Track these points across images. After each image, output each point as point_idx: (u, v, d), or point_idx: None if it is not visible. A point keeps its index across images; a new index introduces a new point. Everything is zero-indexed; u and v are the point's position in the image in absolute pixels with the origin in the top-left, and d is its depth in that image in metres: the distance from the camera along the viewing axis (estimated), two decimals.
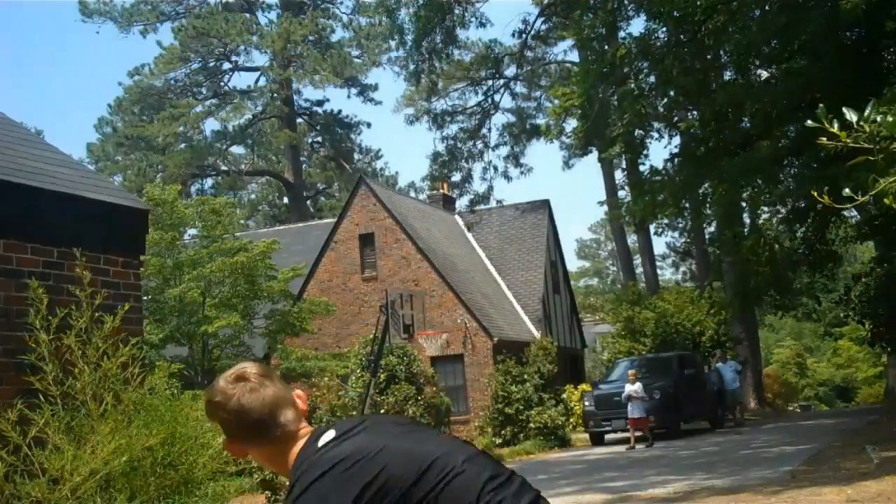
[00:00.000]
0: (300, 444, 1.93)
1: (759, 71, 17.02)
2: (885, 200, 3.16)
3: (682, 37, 15.26)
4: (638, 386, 16.92)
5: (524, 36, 30.43)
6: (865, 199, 3.27)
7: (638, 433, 16.97)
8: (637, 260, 41.61)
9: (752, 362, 28.97)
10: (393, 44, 30.18)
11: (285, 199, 46.68)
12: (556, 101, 26.16)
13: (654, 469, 12.19)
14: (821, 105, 3.01)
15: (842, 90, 12.18)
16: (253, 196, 51.35)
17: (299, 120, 44.02)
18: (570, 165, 49.52)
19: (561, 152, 49.29)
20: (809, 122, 3.03)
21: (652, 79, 16.58)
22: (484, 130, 32.41)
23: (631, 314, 25.77)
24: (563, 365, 25.10)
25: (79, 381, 4.77)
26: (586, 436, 19.46)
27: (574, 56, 32.29)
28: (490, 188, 31.86)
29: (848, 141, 2.99)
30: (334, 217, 27.91)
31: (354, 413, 15.80)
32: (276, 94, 40.95)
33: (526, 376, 20.36)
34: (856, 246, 31.08)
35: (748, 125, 16.04)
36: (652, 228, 31.20)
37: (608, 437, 19.34)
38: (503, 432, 19.63)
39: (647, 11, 15.73)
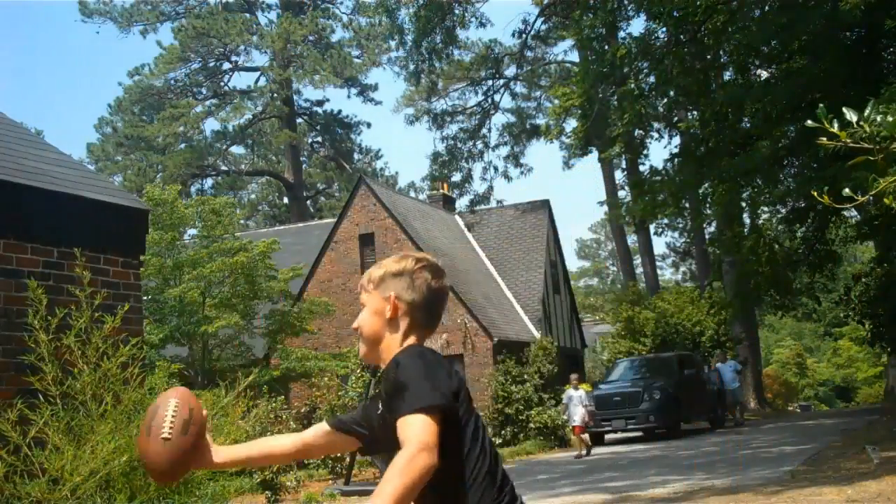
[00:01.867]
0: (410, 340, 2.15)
1: (759, 71, 17.02)
2: (885, 200, 3.16)
3: (682, 37, 15.25)
4: (581, 392, 16.35)
5: (524, 36, 30.48)
6: (865, 199, 3.27)
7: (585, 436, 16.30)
8: (637, 260, 41.61)
9: (752, 362, 28.97)
10: (393, 44, 30.24)
11: (285, 199, 46.69)
12: (556, 101, 26.18)
13: (654, 469, 12.20)
14: (821, 105, 3.01)
15: (842, 90, 12.19)
16: (253, 196, 51.38)
17: (299, 120, 44.04)
18: (570, 165, 49.45)
19: (561, 152, 49.30)
20: (809, 122, 3.03)
21: (652, 79, 16.58)
22: (484, 130, 32.49)
23: (631, 314, 25.77)
24: (563, 365, 25.10)
25: (78, 381, 4.77)
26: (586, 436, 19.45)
27: (574, 56, 32.33)
28: (490, 188, 31.99)
29: (848, 141, 2.99)
30: (334, 217, 27.92)
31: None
32: (276, 94, 40.96)
33: (526, 376, 20.36)
34: (856, 246, 31.10)
35: (748, 125, 16.04)
36: (652, 228, 31.30)
37: (608, 437, 19.33)
38: (503, 432, 19.63)
39: (647, 11, 15.73)
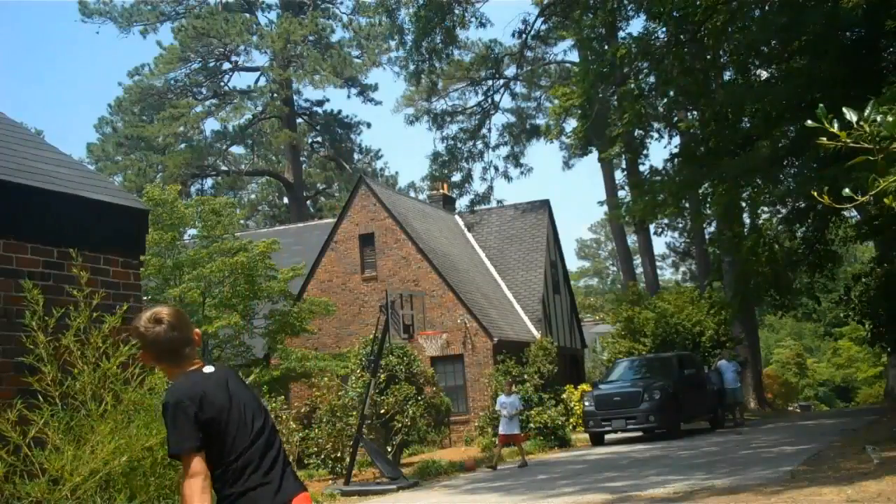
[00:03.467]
0: (185, 370, 2.93)
1: (759, 71, 17.03)
2: (885, 200, 3.16)
3: (682, 37, 15.26)
4: (514, 398, 15.47)
5: (524, 36, 30.44)
6: (865, 199, 3.27)
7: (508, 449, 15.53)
8: (637, 260, 41.61)
9: (752, 362, 28.96)
10: (393, 44, 30.24)
11: (285, 199, 46.69)
12: (556, 101, 26.20)
13: (654, 469, 12.20)
14: (821, 105, 3.01)
15: (842, 90, 12.19)
16: (253, 196, 51.39)
17: (299, 120, 44.04)
18: (570, 165, 49.62)
19: (561, 152, 49.46)
20: (809, 122, 3.03)
21: (652, 79, 16.59)
22: (484, 130, 32.46)
23: (631, 314, 25.77)
24: (563, 365, 25.09)
25: (78, 381, 4.76)
26: (586, 436, 19.46)
27: (574, 56, 32.31)
28: (490, 188, 31.96)
29: (848, 141, 2.99)
30: (334, 217, 27.92)
31: (354, 413, 15.81)
32: (276, 94, 40.96)
33: (526, 376, 20.35)
34: (856, 246, 31.12)
35: (748, 125, 16.04)
36: (652, 228, 31.32)
37: (608, 437, 19.33)
38: None
39: (646, 11, 15.74)
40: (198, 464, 2.70)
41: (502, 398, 15.60)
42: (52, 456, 4.43)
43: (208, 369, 2.93)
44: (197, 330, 3.03)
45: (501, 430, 15.38)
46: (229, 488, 2.75)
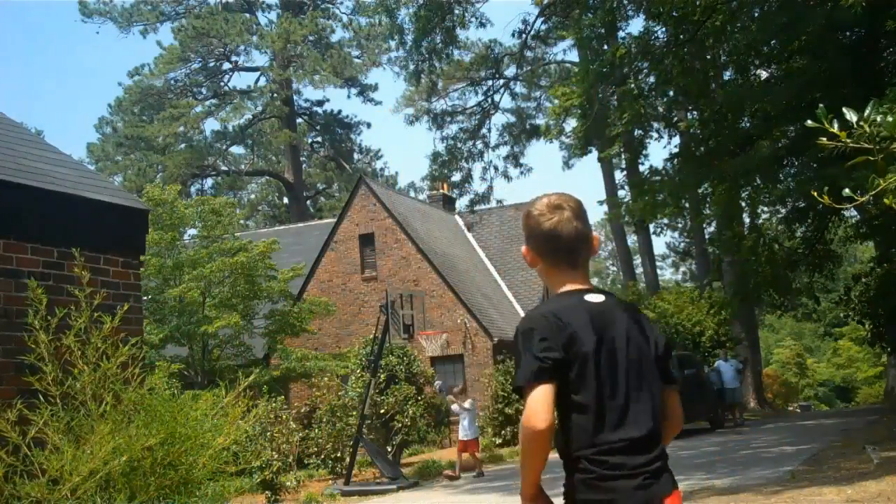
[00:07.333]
0: (566, 287, 2.32)
1: (759, 71, 17.02)
2: (885, 200, 3.16)
3: (681, 37, 15.24)
4: (469, 402, 14.88)
5: (524, 36, 30.39)
6: (865, 199, 3.27)
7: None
8: (637, 260, 41.59)
9: (753, 362, 28.94)
10: (393, 44, 30.12)
11: (285, 199, 46.70)
12: (556, 101, 26.14)
13: None
14: (821, 105, 3.01)
15: (842, 90, 12.19)
16: (253, 196, 51.38)
17: (299, 120, 44.05)
18: (570, 165, 49.48)
19: (561, 152, 49.46)
20: (809, 122, 3.03)
21: (652, 79, 16.57)
22: (484, 130, 32.35)
23: None
24: None
25: (78, 381, 4.76)
26: None
27: (574, 56, 32.28)
28: (490, 188, 31.98)
29: (848, 141, 2.99)
30: (334, 217, 27.93)
31: (354, 413, 15.79)
32: (276, 94, 40.97)
33: None
34: (856, 246, 31.12)
35: (748, 125, 16.04)
36: (652, 228, 31.30)
37: None
38: (503, 432, 19.62)
39: (646, 11, 15.73)
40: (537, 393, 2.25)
41: (467, 403, 15.08)
42: (52, 456, 4.43)
43: (594, 297, 2.28)
44: (596, 235, 2.41)
45: (463, 437, 14.66)
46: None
